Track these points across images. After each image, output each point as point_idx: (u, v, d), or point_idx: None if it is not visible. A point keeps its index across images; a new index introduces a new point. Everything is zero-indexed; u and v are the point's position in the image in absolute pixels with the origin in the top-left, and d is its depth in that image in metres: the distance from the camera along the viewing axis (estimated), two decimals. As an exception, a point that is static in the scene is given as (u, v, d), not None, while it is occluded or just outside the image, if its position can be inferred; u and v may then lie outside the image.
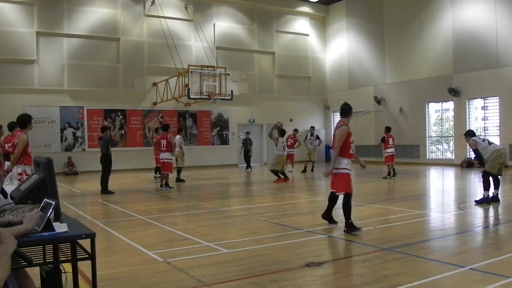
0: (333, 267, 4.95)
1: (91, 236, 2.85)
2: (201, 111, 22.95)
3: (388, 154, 15.49)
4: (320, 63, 26.99)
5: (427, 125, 22.14)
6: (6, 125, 8.65)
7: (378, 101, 23.71)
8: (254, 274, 4.61)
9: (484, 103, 19.97)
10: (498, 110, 19.28)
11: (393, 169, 15.40)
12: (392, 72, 23.45)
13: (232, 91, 19.53)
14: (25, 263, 2.50)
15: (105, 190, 12.37)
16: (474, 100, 20.29)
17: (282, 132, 14.97)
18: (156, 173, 16.27)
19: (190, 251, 5.72)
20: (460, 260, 5.02)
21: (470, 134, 9.56)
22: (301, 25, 26.27)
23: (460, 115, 20.51)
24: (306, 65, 26.37)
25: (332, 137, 7.06)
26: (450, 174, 17.40)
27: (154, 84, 21.70)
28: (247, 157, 21.20)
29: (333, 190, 6.91)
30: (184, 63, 19.78)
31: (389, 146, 15.53)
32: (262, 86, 24.79)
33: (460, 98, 20.34)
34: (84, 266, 3.74)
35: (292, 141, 18.13)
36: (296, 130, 18.83)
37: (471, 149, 10.37)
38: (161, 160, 13.49)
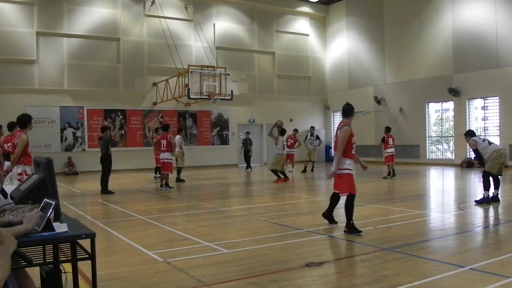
0: (333, 267, 4.95)
1: (91, 236, 2.85)
2: (201, 111, 22.95)
3: (388, 154, 15.49)
4: (320, 63, 26.99)
5: (427, 125, 22.14)
6: (6, 125, 8.64)
7: (378, 101, 23.72)
8: (254, 274, 4.61)
9: (484, 103, 19.97)
10: (498, 110, 19.28)
11: (393, 170, 15.40)
12: (392, 72, 23.45)
13: (232, 91, 19.53)
14: (25, 263, 2.50)
15: (105, 190, 12.37)
16: (474, 100, 20.29)
17: (282, 131, 14.94)
18: (156, 173, 16.27)
19: (190, 251, 5.72)
20: (460, 260, 5.02)
21: (470, 134, 9.56)
22: (301, 25, 26.27)
23: (460, 115, 20.51)
24: (306, 65, 26.38)
25: (334, 137, 7.01)
26: (450, 174, 17.40)
27: (154, 84, 21.70)
28: (247, 157, 21.20)
29: (336, 191, 6.84)
30: (184, 63, 19.78)
31: (389, 146, 15.53)
32: (262, 86, 24.80)
33: (460, 98, 20.35)
34: (84, 266, 3.74)
35: (292, 141, 18.13)
36: (296, 130, 18.82)
37: (471, 149, 10.37)
38: (161, 160, 13.49)
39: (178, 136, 15.43)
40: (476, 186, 12.51)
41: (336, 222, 7.04)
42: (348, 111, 6.81)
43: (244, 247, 5.82)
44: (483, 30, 19.33)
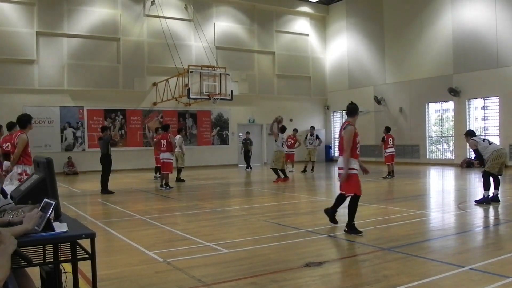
0: (333, 267, 4.95)
1: (91, 236, 2.85)
2: (201, 111, 22.95)
3: (388, 154, 15.50)
4: (320, 63, 26.99)
5: (427, 125, 22.15)
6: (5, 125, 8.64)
7: (378, 101, 23.72)
8: (254, 274, 4.61)
9: (484, 103, 19.98)
10: (498, 110, 19.28)
11: (392, 170, 15.40)
12: (392, 72, 23.45)
13: (232, 91, 19.53)
14: (25, 263, 2.50)
15: (105, 190, 12.37)
16: (474, 100, 20.29)
17: (282, 129, 14.91)
18: (156, 173, 16.28)
19: (190, 251, 5.72)
20: (460, 260, 5.02)
21: (470, 134, 9.56)
22: (301, 25, 26.27)
23: (460, 115, 20.51)
24: (306, 65, 26.38)
25: (339, 137, 6.97)
26: (450, 174, 17.40)
27: (154, 84, 21.70)
28: (247, 157, 21.20)
29: (342, 192, 6.80)
30: (184, 63, 19.78)
31: (389, 146, 15.54)
32: (262, 86, 24.80)
33: (460, 98, 20.35)
34: (84, 266, 3.74)
35: (292, 141, 18.12)
36: (295, 130, 18.80)
37: (471, 149, 10.36)
38: (161, 160, 13.49)
39: (178, 136, 15.43)
40: (476, 186, 12.51)
41: (336, 222, 7.02)
42: (352, 110, 6.77)
43: (244, 247, 5.82)
44: (483, 30, 19.33)
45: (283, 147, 14.97)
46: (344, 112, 26.31)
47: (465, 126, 19.23)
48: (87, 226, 3.42)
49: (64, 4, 19.98)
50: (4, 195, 3.24)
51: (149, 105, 21.88)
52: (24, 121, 7.59)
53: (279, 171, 14.79)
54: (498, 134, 19.02)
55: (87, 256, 2.94)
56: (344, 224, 6.64)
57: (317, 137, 19.38)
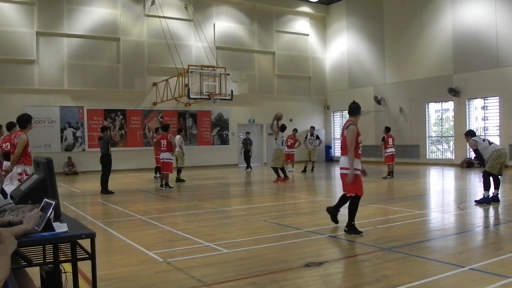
0: (333, 267, 4.95)
1: (91, 236, 2.85)
2: (201, 111, 22.95)
3: (388, 154, 15.50)
4: (320, 63, 26.99)
5: (427, 125, 22.15)
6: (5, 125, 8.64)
7: (378, 101, 23.72)
8: (254, 274, 4.61)
9: (484, 103, 19.98)
10: (498, 110, 19.28)
11: (392, 170, 15.39)
12: (392, 72, 23.45)
13: (232, 91, 19.53)
14: (25, 263, 2.50)
15: (105, 190, 12.37)
16: (474, 100, 20.29)
17: (282, 127, 14.90)
18: (156, 173, 16.28)
19: (190, 251, 5.72)
20: (460, 260, 5.02)
21: (470, 134, 9.56)
22: (301, 25, 26.28)
23: (460, 115, 20.51)
24: (306, 65, 26.38)
25: (341, 137, 6.92)
26: (450, 174, 17.40)
27: (154, 84, 21.70)
28: (247, 157, 21.20)
29: (344, 192, 6.77)
30: (184, 63, 19.78)
31: (389, 146, 15.54)
32: (262, 86, 24.80)
33: (460, 98, 20.35)
34: (84, 266, 3.74)
35: (292, 141, 18.10)
36: (295, 130, 18.79)
37: (471, 149, 10.36)
38: (161, 160, 13.48)
39: (178, 136, 15.43)
40: (476, 186, 12.51)
41: (337, 222, 7.00)
42: (354, 110, 6.74)
43: (244, 247, 5.82)
44: (483, 30, 19.33)
45: (282, 145, 14.97)
46: (344, 112, 26.36)
47: (465, 126, 19.23)
48: (87, 226, 3.42)
49: (64, 4, 19.98)
50: (4, 195, 3.24)
51: (149, 105, 21.89)
52: (24, 121, 7.59)
53: (279, 170, 14.78)
54: (498, 134, 19.02)
55: (87, 256, 2.94)
56: (344, 224, 6.64)
57: (317, 137, 19.38)
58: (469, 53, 19.84)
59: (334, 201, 10.59)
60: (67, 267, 3.27)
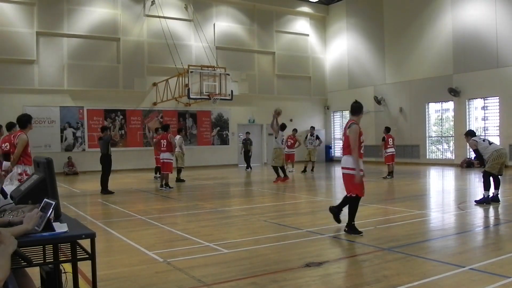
0: (333, 267, 4.95)
1: (91, 236, 2.85)
2: (201, 111, 22.95)
3: (388, 154, 15.50)
4: (320, 63, 26.99)
5: (427, 125, 22.15)
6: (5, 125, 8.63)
7: (378, 101, 23.72)
8: (254, 274, 4.61)
9: (484, 103, 19.98)
10: (498, 110, 19.28)
11: (392, 170, 15.39)
12: (392, 72, 23.45)
13: (232, 91, 19.53)
14: (25, 263, 2.50)
15: (105, 190, 12.37)
16: (474, 100, 20.29)
17: (282, 126, 14.91)
18: (156, 173, 16.28)
19: (190, 251, 5.72)
20: (460, 260, 5.02)
21: (470, 134, 9.56)
22: (301, 25, 26.28)
23: (460, 115, 20.51)
24: (306, 65, 26.38)
25: (343, 136, 6.85)
26: (450, 174, 17.40)
27: (154, 84, 21.70)
28: (247, 157, 21.20)
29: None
30: (184, 63, 19.78)
31: (389, 146, 15.54)
32: (262, 86, 24.80)
33: (460, 98, 20.35)
34: (84, 266, 3.74)
35: (292, 141, 18.11)
36: (295, 130, 18.79)
37: (471, 149, 10.36)
38: (161, 160, 13.48)
39: (178, 136, 15.43)
40: (476, 186, 12.51)
41: (339, 221, 6.94)
42: (356, 109, 6.69)
43: (244, 247, 5.81)
44: (483, 30, 19.33)
45: (282, 144, 14.97)
46: (344, 112, 26.38)
47: (465, 126, 19.23)
48: (87, 226, 3.41)
49: (64, 4, 19.99)
50: (4, 195, 3.24)
51: (149, 105, 21.89)
52: (24, 121, 7.59)
53: (279, 170, 14.77)
54: (498, 134, 19.03)
55: (87, 256, 2.94)
56: (345, 223, 6.64)
57: (317, 137, 19.37)
58: (469, 53, 19.84)
59: (334, 201, 10.61)
60: (67, 267, 3.27)
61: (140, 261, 5.31)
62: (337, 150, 27.22)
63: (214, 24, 23.34)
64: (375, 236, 6.34)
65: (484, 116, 20.04)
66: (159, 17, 21.16)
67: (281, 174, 14.76)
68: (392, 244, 5.79)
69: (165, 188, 13.12)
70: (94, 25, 20.57)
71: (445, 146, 22.07)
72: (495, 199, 9.09)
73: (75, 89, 20.16)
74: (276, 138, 14.77)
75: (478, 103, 20.30)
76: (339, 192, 12.10)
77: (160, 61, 21.59)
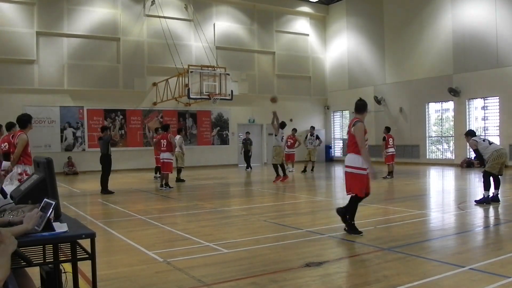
0: (333, 267, 4.95)
1: (91, 236, 2.85)
2: (201, 111, 22.95)
3: (388, 154, 15.50)
4: (320, 63, 27.00)
5: (427, 125, 22.15)
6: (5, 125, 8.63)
7: (378, 101, 23.72)
8: (254, 274, 4.61)
9: (484, 103, 19.98)
10: (498, 110, 19.28)
11: (392, 170, 15.39)
12: (392, 72, 23.45)
13: (232, 91, 19.54)
14: (25, 263, 2.50)
15: (105, 190, 12.37)
16: (474, 100, 20.29)
17: (282, 124, 14.91)
18: (156, 173, 16.28)
19: (190, 251, 5.72)
20: (460, 260, 5.01)
21: (470, 134, 9.56)
22: (301, 25, 26.28)
23: (460, 115, 20.51)
24: (306, 65, 26.38)
25: (347, 134, 6.78)
26: (450, 174, 17.40)
27: (154, 84, 21.70)
28: (247, 157, 21.19)
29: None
30: (184, 63, 19.79)
31: (389, 146, 15.55)
32: (262, 86, 24.79)
33: (460, 98, 20.35)
34: (84, 266, 3.74)
35: (292, 141, 18.12)
36: (294, 130, 18.79)
37: (471, 149, 10.35)
38: (161, 160, 13.48)
39: (178, 136, 15.43)
40: (476, 186, 12.51)
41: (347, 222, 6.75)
42: (361, 107, 6.64)
43: (244, 247, 5.81)
44: (483, 30, 19.33)
45: (282, 141, 14.98)
46: (344, 112, 26.39)
47: (465, 126, 19.24)
48: (87, 226, 3.41)
49: (64, 4, 19.99)
50: (4, 195, 3.24)
51: (149, 105, 21.89)
52: (24, 121, 7.59)
53: (279, 168, 14.76)
54: (498, 134, 19.03)
55: (87, 256, 2.94)
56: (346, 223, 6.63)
57: (317, 137, 19.37)
58: (469, 53, 19.85)
59: (334, 201, 10.61)
60: (67, 267, 3.27)
61: (140, 261, 5.31)
62: (337, 150, 27.24)
63: (214, 24, 23.34)
64: (375, 236, 6.34)
65: (484, 116, 20.04)
66: (159, 17, 21.16)
67: (281, 173, 14.75)
68: (392, 244, 5.79)
69: (165, 188, 13.12)
70: (94, 25, 20.57)
71: (445, 146, 22.07)
72: (495, 199, 9.09)
73: (75, 89, 20.16)
74: (276, 136, 14.78)
75: (478, 103, 20.30)
76: (339, 192, 12.11)
77: (160, 61, 21.59)
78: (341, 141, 26.84)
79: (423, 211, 8.81)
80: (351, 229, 6.44)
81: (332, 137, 27.22)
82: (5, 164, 7.54)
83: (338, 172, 19.74)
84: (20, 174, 7.16)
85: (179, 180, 15.30)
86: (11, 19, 19.04)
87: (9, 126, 8.28)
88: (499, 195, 9.25)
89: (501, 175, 9.15)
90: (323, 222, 7.28)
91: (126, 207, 9.84)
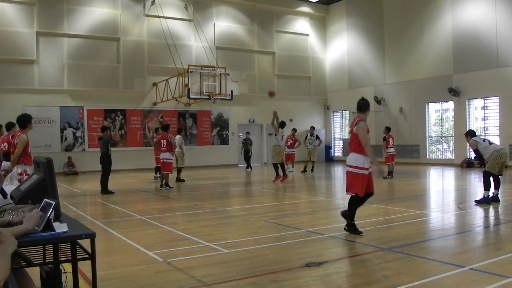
0: (333, 267, 4.95)
1: (91, 236, 2.85)
2: (201, 111, 22.95)
3: (388, 154, 15.51)
4: (320, 63, 26.99)
5: (427, 125, 22.15)
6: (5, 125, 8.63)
7: (378, 101, 23.71)
8: (254, 274, 4.61)
9: (484, 103, 19.98)
10: (498, 110, 19.28)
11: (392, 170, 15.39)
12: (392, 72, 23.45)
13: (232, 91, 19.54)
14: (25, 263, 2.50)
15: (105, 190, 12.37)
16: (474, 100, 20.29)
17: (282, 124, 14.92)
18: (156, 173, 16.28)
19: (190, 251, 5.72)
20: (460, 260, 5.01)
21: (470, 134, 9.56)
22: (301, 25, 26.28)
23: (460, 115, 20.51)
24: (306, 65, 26.38)
25: (349, 133, 6.75)
26: (450, 174, 17.40)
27: (154, 84, 21.71)
28: (247, 157, 21.19)
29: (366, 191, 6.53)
30: (184, 63, 19.79)
31: (389, 146, 15.56)
32: (262, 86, 24.77)
33: (460, 98, 20.35)
34: (84, 266, 3.74)
35: (292, 141, 18.12)
36: (294, 130, 18.79)
37: (471, 149, 10.35)
38: (161, 160, 13.49)
39: (178, 136, 15.43)
40: (476, 186, 12.51)
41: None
42: (363, 106, 6.62)
43: (244, 247, 5.81)
44: (483, 30, 19.33)
45: (282, 140, 14.98)
46: (344, 112, 26.39)
47: (465, 126, 19.24)
48: (87, 226, 3.41)
49: (64, 4, 19.99)
50: (4, 195, 3.24)
51: (149, 105, 21.89)
52: (24, 121, 7.59)
53: (279, 167, 14.76)
54: (498, 134, 19.03)
55: (87, 256, 2.94)
56: (344, 223, 6.62)
57: (317, 137, 19.37)
58: (469, 53, 19.85)
59: (334, 201, 10.61)
60: (67, 267, 3.27)
61: (140, 261, 5.31)
62: (337, 150, 27.24)
63: (214, 24, 23.34)
64: (375, 236, 6.33)
65: (484, 116, 20.04)
66: (159, 17, 21.16)
67: (281, 173, 14.75)
68: (392, 244, 5.79)
69: (165, 188, 13.12)
70: (94, 25, 20.57)
71: (445, 146, 22.07)
72: (495, 199, 9.09)
73: (75, 89, 20.16)
74: (276, 135, 14.78)
75: (478, 103, 20.30)
76: (339, 192, 12.11)
77: (160, 61, 21.60)
78: (341, 141, 26.85)
79: (423, 211, 8.81)
80: (351, 228, 6.44)
81: (332, 137, 27.22)
82: (5, 164, 7.55)
83: (338, 172, 19.75)
84: (20, 174, 7.16)
85: (179, 180, 15.30)
86: (11, 19, 19.04)
87: (9, 126, 8.28)
88: (499, 195, 9.25)
89: (501, 175, 9.15)
90: (323, 222, 7.28)
91: (126, 207, 9.83)
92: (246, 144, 21.24)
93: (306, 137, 19.33)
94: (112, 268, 4.98)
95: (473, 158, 17.16)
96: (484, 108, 20.04)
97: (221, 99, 19.25)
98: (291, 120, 24.11)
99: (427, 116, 22.10)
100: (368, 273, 4.72)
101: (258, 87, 24.57)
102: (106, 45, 21.01)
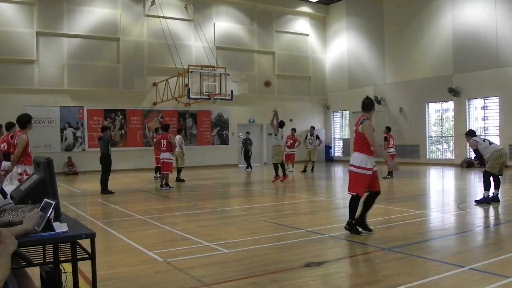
0: (333, 267, 4.95)
1: (91, 236, 2.85)
2: (201, 111, 22.95)
3: (389, 154, 15.49)
4: (320, 63, 26.99)
5: (427, 125, 22.15)
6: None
7: (378, 101, 23.69)
8: (254, 274, 4.61)
9: (484, 103, 19.98)
10: (498, 110, 19.28)
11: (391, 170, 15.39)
12: (392, 72, 23.45)
13: (232, 91, 19.53)
14: (25, 263, 2.50)
15: (105, 190, 12.37)
16: (474, 100, 20.29)
17: (281, 123, 14.93)
18: (156, 173, 16.28)
19: (190, 251, 5.72)
20: (460, 260, 5.01)
21: (470, 134, 9.56)
22: (301, 25, 26.28)
23: (460, 115, 20.51)
24: (306, 65, 26.38)
25: (354, 132, 6.71)
26: (450, 174, 17.40)
27: (154, 84, 21.70)
28: (247, 157, 21.19)
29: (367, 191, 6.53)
30: (184, 63, 19.78)
31: (389, 146, 15.56)
32: (262, 86, 24.70)
33: (460, 98, 20.35)
34: (84, 266, 3.73)
35: (292, 141, 18.12)
36: (293, 130, 18.77)
37: (471, 149, 10.35)
38: (161, 160, 13.49)
39: (178, 136, 15.43)
40: (476, 186, 12.51)
41: (370, 230, 6.51)
42: (368, 105, 6.60)
43: (244, 247, 5.81)
44: (483, 30, 19.33)
45: (282, 140, 14.99)
46: (344, 112, 26.38)
47: (465, 126, 19.23)
48: (87, 226, 3.41)
49: (64, 4, 19.99)
50: (4, 195, 3.24)
51: (149, 105, 21.89)
52: (24, 121, 7.58)
53: (279, 167, 14.76)
54: (498, 134, 19.02)
55: (87, 256, 2.94)
56: (345, 223, 6.63)
57: (317, 137, 19.38)
58: (469, 53, 19.84)
59: (334, 201, 10.61)
60: (67, 267, 3.27)
61: (140, 261, 5.31)
62: (337, 150, 27.23)
63: (214, 24, 23.34)
64: (375, 236, 6.33)
65: (484, 116, 20.04)
66: (159, 17, 21.16)
67: (281, 173, 14.75)
68: (392, 244, 5.78)
69: (165, 188, 13.12)
70: (94, 25, 20.57)
71: (445, 146, 22.07)
72: (495, 199, 9.08)
73: (75, 89, 20.16)
74: (276, 135, 14.79)
75: (478, 103, 20.30)
76: (339, 192, 12.11)
77: (160, 61, 21.59)
78: (341, 141, 26.85)
79: (423, 211, 8.81)
80: (351, 228, 6.44)
81: (332, 137, 27.22)
82: (5, 164, 7.55)
83: (338, 172, 19.76)
84: (20, 174, 7.16)
85: (179, 180, 15.30)
86: (11, 19, 19.03)
87: (9, 126, 8.28)
88: (499, 195, 9.24)
89: (501, 175, 9.15)
90: (323, 222, 7.28)
91: (126, 207, 9.83)
92: (246, 144, 21.24)
93: (306, 137, 19.34)
94: (112, 268, 4.98)
95: (473, 158, 17.16)
96: (484, 108, 20.04)
97: (221, 99, 19.25)
98: (291, 120, 24.12)
99: (427, 116, 22.10)
100: (368, 273, 4.72)
101: (258, 87, 24.55)
102: (106, 45, 21.01)
